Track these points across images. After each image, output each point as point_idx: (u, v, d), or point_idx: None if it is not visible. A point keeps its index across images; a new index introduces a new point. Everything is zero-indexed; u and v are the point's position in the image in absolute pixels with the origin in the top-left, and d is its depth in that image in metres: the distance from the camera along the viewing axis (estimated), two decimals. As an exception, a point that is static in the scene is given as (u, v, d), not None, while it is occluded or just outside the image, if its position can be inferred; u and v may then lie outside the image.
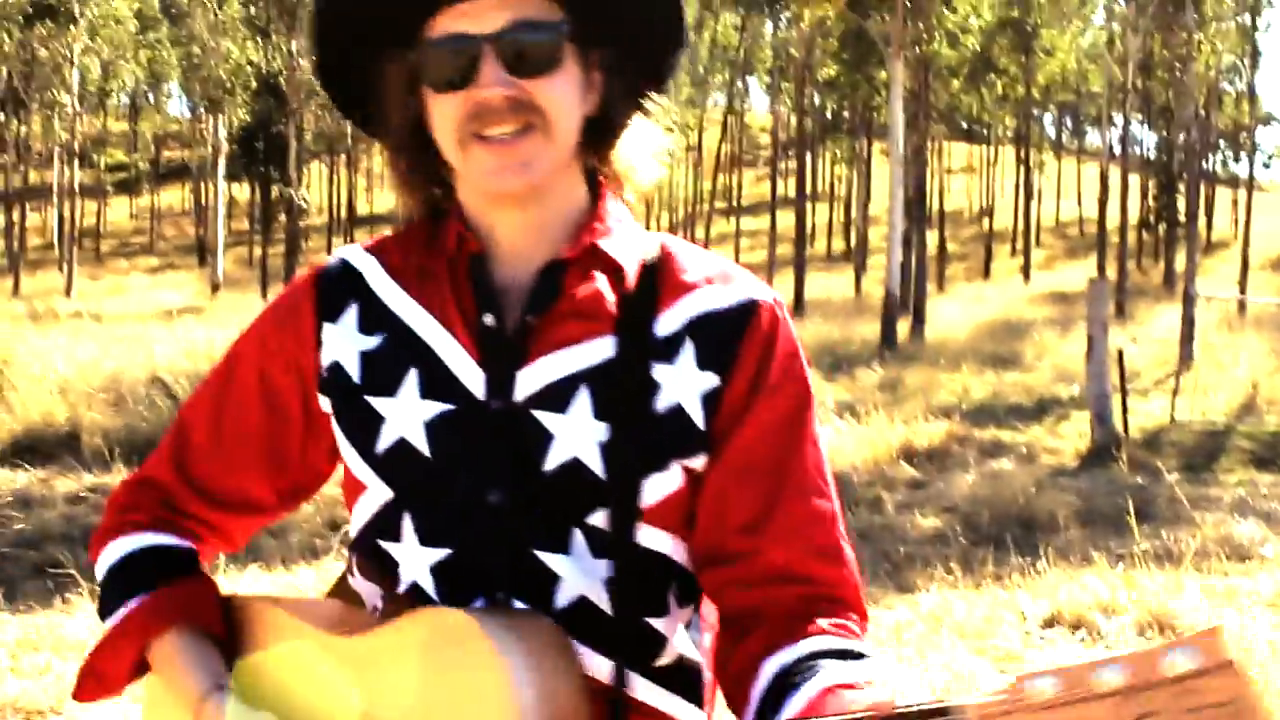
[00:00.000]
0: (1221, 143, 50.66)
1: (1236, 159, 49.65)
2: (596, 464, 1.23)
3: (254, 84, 32.27)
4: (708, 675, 1.33)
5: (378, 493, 1.29)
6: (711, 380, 1.25)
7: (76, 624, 5.38)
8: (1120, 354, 11.83)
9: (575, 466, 1.23)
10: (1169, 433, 12.26)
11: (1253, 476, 9.89)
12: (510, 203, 1.26)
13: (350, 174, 57.43)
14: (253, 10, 33.80)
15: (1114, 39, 39.14)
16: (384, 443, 1.27)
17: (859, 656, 1.17)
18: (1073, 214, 65.78)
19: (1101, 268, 36.50)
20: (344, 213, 55.94)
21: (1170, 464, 10.23)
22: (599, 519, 1.24)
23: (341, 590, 1.42)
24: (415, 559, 1.26)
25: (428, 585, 1.26)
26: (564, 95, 1.24)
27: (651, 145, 1.35)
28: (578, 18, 1.25)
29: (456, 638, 1.14)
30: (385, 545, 1.29)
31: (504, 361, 1.26)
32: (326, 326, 1.32)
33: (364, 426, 1.28)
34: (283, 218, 33.81)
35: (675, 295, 1.27)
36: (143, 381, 11.89)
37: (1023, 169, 49.06)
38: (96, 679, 1.36)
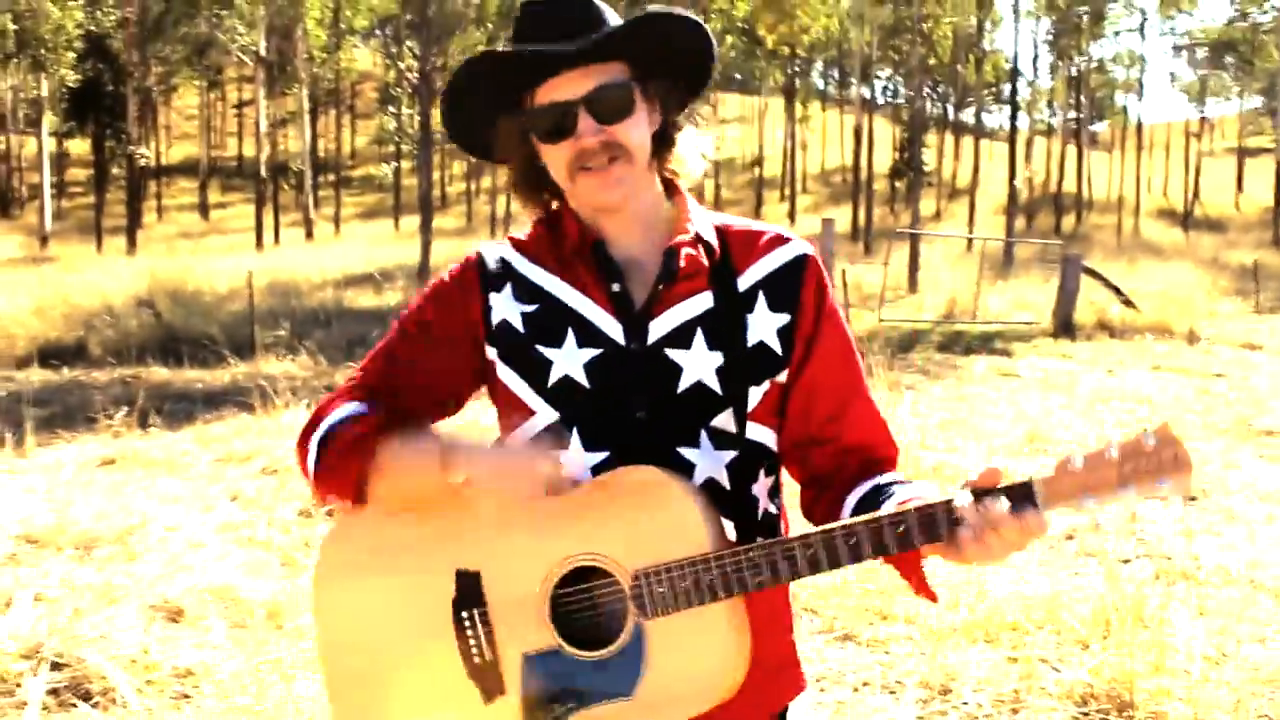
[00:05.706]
0: (970, 97, 56.93)
1: (982, 113, 56.11)
2: (714, 383, 1.67)
3: (79, 45, 33.57)
4: (781, 525, 1.81)
5: (545, 416, 1.71)
6: (784, 318, 1.72)
7: (215, 431, 9.02)
8: (844, 273, 16.52)
9: (700, 386, 1.67)
10: (881, 332, 17.01)
11: (931, 355, 14.57)
12: (612, 211, 1.71)
13: (151, 128, 57.06)
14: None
15: (863, 12, 44.35)
16: (553, 379, 1.69)
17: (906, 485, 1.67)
18: (836, 162, 71.00)
19: (855, 212, 41.59)
20: (151, 163, 55.96)
21: (878, 350, 14.87)
22: (719, 421, 1.68)
23: None
24: (579, 463, 1.65)
25: None
26: (638, 130, 1.68)
27: (696, 145, 1.80)
28: (640, 71, 1.70)
29: (657, 486, 1.57)
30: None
31: (637, 315, 1.69)
32: (493, 296, 1.75)
33: (535, 368, 1.71)
34: (115, 170, 35.08)
35: (747, 260, 1.74)
36: (113, 309, 15.04)
37: (790, 121, 54.08)
38: (334, 495, 1.70)
